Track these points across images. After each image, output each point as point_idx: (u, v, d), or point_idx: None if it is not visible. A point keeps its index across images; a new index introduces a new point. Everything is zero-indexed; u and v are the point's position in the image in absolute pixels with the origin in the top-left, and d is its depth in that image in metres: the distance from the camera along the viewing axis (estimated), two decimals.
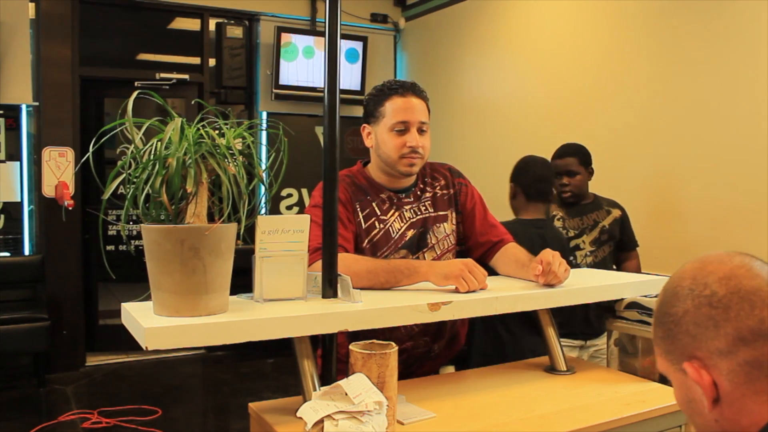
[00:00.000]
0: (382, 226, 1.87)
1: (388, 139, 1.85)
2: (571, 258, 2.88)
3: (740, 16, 3.39)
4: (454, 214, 1.99)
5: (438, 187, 1.98)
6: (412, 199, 1.94)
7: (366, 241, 1.86)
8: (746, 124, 3.28)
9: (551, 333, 1.93)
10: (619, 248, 3.13)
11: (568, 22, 4.46)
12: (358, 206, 1.88)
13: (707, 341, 0.84)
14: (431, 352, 2.00)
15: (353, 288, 1.52)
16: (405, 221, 1.90)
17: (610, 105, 4.14)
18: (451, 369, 2.22)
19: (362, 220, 1.86)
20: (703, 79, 3.57)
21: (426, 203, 1.94)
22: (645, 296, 2.69)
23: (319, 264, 1.59)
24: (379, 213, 1.88)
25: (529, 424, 1.52)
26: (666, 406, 1.64)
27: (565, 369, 1.90)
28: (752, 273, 0.85)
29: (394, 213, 1.90)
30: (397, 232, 1.88)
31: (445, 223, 1.95)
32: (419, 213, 1.92)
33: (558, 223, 3.03)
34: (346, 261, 1.67)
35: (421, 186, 1.97)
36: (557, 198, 3.06)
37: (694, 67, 3.62)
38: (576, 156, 3.11)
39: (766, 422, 0.81)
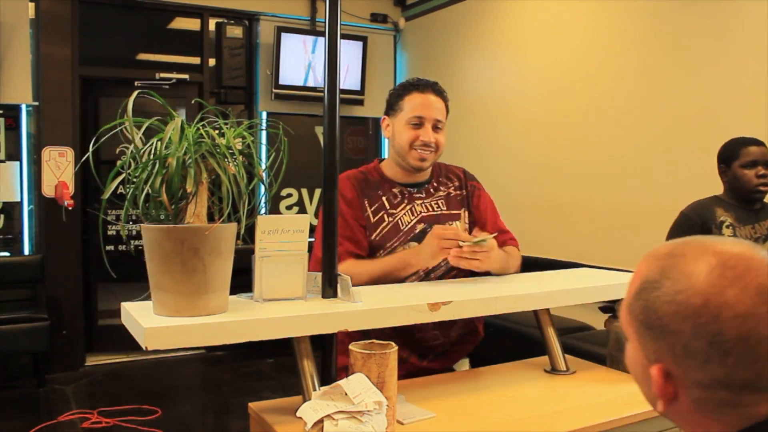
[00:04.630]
0: (390, 219, 1.93)
1: (403, 131, 1.92)
2: None
3: (741, 16, 3.39)
4: (466, 214, 2.03)
5: (452, 188, 2.04)
6: (424, 195, 2.00)
7: (375, 234, 1.92)
8: (751, 121, 3.28)
9: (551, 333, 1.93)
10: None
11: (567, 21, 4.46)
12: (366, 202, 1.94)
13: (690, 369, 0.75)
14: (444, 345, 2.00)
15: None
16: (416, 215, 1.95)
17: (610, 104, 4.14)
18: (466, 364, 2.21)
19: (371, 215, 1.92)
20: (707, 76, 3.58)
21: (439, 201, 2.00)
22: None
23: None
24: (388, 207, 1.94)
25: (529, 424, 1.51)
26: None
27: (565, 369, 1.90)
28: None
29: (405, 207, 1.96)
30: (407, 225, 1.93)
31: (457, 222, 2.00)
32: (431, 209, 1.98)
33: (727, 231, 2.62)
34: (347, 269, 1.74)
35: (435, 184, 2.03)
36: (731, 196, 2.69)
37: (699, 65, 3.62)
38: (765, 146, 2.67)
39: None
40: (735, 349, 0.71)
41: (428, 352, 1.98)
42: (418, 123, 1.91)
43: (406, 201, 1.96)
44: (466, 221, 2.03)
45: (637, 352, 0.82)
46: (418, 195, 1.98)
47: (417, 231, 1.93)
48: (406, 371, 1.85)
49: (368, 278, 1.82)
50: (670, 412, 0.80)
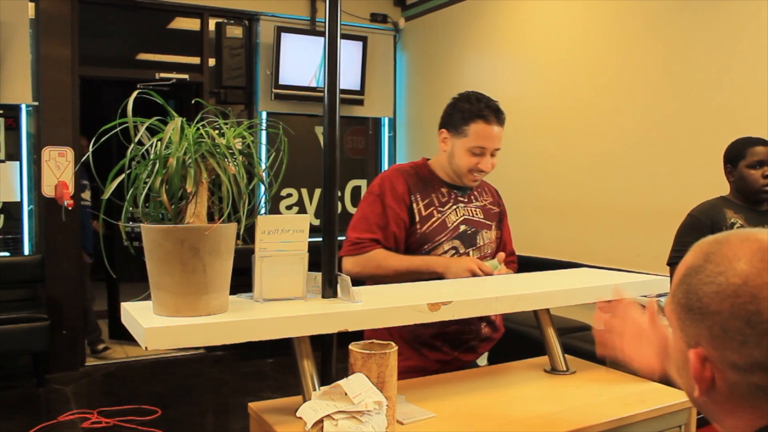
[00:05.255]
0: (439, 215, 2.06)
1: (464, 156, 2.03)
2: None
3: (745, 13, 3.39)
4: (496, 230, 2.20)
5: (488, 201, 2.21)
6: (467, 200, 2.14)
7: (425, 227, 2.04)
8: (755, 121, 3.28)
9: (551, 333, 1.93)
10: None
11: (567, 21, 4.46)
12: (418, 196, 2.05)
13: (726, 351, 0.76)
14: (476, 339, 2.09)
15: (352, 287, 1.53)
16: (459, 215, 2.09)
17: (610, 104, 4.14)
18: (485, 359, 2.25)
19: (422, 209, 2.05)
20: (709, 75, 3.57)
21: (478, 209, 2.16)
22: (644, 296, 2.68)
23: (357, 258, 1.94)
24: (437, 204, 2.07)
25: (529, 424, 1.51)
26: (666, 405, 1.64)
27: (565, 369, 1.90)
28: None
29: (451, 206, 2.09)
30: (453, 224, 2.07)
31: (490, 231, 2.17)
32: (472, 214, 2.13)
33: None
34: (377, 256, 1.98)
35: (476, 193, 2.18)
36: (738, 196, 2.69)
37: (701, 64, 3.62)
38: None
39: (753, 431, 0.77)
40: None
41: (461, 344, 2.07)
42: (480, 153, 2.01)
43: (452, 201, 2.10)
44: (496, 236, 2.20)
45: (678, 340, 0.83)
46: (461, 198, 2.12)
47: (460, 230, 2.08)
48: (438, 359, 2.02)
49: (393, 271, 1.97)
50: (706, 401, 0.81)
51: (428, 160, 2.18)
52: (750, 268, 0.75)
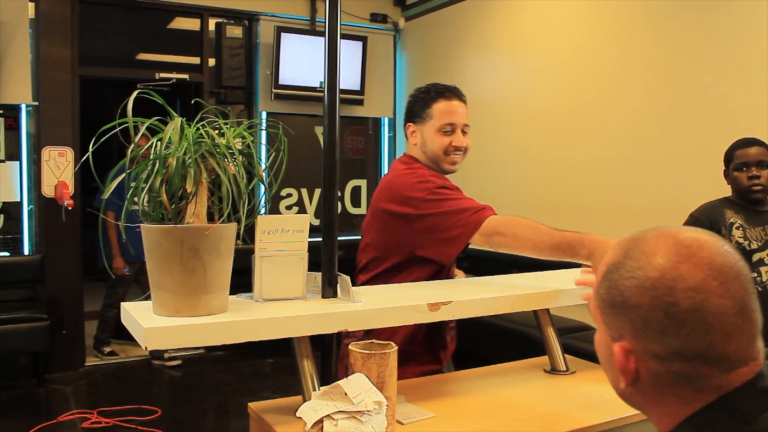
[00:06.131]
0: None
1: (436, 138, 1.99)
2: (755, 275, 2.57)
3: (745, 13, 3.39)
4: None
5: None
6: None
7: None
8: (754, 120, 3.28)
9: (551, 333, 1.93)
10: None
11: (567, 21, 4.46)
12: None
13: (648, 342, 0.79)
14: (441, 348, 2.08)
15: (351, 288, 1.53)
16: None
17: (610, 104, 4.14)
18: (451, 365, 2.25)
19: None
20: (709, 75, 3.58)
21: None
22: None
23: (494, 219, 1.77)
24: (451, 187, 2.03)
25: (529, 424, 1.51)
26: None
27: (565, 369, 1.90)
28: (725, 290, 0.77)
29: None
30: None
31: None
32: None
33: (737, 233, 2.62)
34: (521, 223, 1.75)
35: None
36: (738, 197, 2.71)
37: (701, 64, 3.62)
38: (766, 146, 2.69)
39: (681, 420, 0.80)
40: (688, 319, 0.77)
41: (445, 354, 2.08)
42: (450, 130, 1.99)
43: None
44: None
45: (602, 335, 0.87)
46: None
47: None
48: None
49: (542, 243, 1.71)
50: (632, 393, 0.84)
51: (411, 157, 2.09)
52: (666, 261, 0.79)
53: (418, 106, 2.04)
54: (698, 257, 0.78)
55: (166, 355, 5.12)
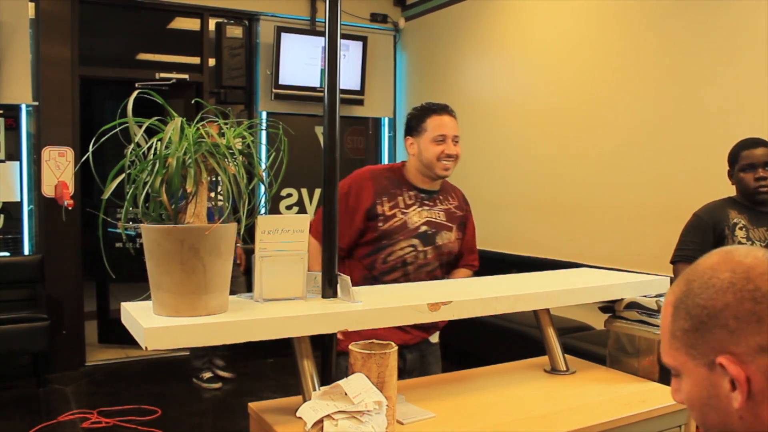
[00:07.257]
0: (402, 216, 2.27)
1: (430, 147, 2.28)
2: None
3: (746, 13, 3.39)
4: (457, 232, 2.38)
5: (453, 205, 2.41)
6: (432, 203, 2.35)
7: (387, 225, 2.25)
8: (755, 120, 3.28)
9: (551, 333, 1.93)
10: None
11: (567, 21, 4.46)
12: (384, 198, 2.27)
13: (748, 336, 0.80)
14: None
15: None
16: (422, 218, 2.30)
17: (610, 104, 4.14)
18: (437, 336, 2.37)
19: (387, 209, 2.27)
20: (709, 75, 3.58)
21: (441, 212, 2.36)
22: (644, 296, 2.68)
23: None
24: (402, 206, 2.29)
25: (529, 424, 1.51)
26: (666, 405, 1.64)
27: (565, 369, 1.90)
28: None
29: (416, 209, 2.30)
30: (414, 224, 2.28)
31: (451, 233, 2.36)
32: (434, 217, 2.33)
33: (740, 233, 2.64)
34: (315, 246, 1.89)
35: (441, 197, 2.39)
36: (743, 197, 2.71)
37: (701, 64, 3.62)
38: None
39: None
40: None
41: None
42: (442, 140, 2.27)
43: (418, 204, 2.31)
44: (457, 237, 2.39)
45: (694, 374, 0.85)
46: (427, 202, 2.33)
47: (420, 231, 2.28)
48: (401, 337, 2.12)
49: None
50: (746, 410, 0.81)
51: (405, 163, 2.39)
52: (728, 264, 0.84)
53: (415, 122, 2.34)
54: (752, 254, 0.84)
55: (204, 376, 4.70)
